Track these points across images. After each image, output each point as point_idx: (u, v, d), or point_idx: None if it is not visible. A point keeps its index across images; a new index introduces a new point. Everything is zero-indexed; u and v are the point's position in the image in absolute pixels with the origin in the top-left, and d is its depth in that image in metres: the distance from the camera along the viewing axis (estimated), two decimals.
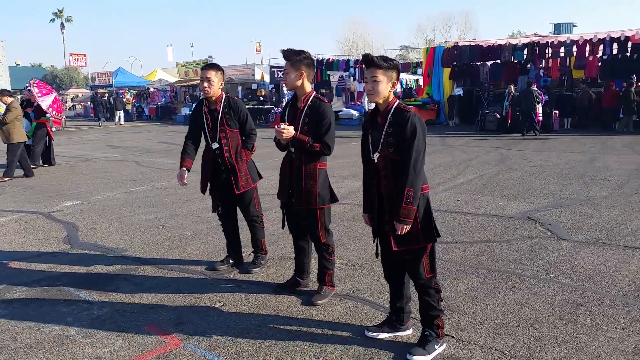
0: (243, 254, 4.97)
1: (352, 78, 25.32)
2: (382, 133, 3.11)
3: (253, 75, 28.39)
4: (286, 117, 3.98)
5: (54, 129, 23.81)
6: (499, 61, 20.54)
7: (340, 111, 23.49)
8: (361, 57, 3.24)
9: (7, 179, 10.06)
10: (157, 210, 7.22)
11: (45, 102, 11.73)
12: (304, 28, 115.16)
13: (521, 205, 6.93)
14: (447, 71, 21.64)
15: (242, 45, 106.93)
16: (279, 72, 26.48)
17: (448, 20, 63.76)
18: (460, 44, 22.19)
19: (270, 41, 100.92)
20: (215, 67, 4.53)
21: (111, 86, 37.35)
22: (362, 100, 25.38)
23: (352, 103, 24.65)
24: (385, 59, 3.10)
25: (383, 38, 76.71)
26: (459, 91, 21.08)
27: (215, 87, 4.47)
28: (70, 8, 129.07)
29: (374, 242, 3.40)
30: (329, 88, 26.29)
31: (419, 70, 26.12)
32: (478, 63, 21.24)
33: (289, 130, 3.74)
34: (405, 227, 2.99)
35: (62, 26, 77.34)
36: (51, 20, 77.00)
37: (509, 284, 4.25)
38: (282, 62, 30.34)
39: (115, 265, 5.00)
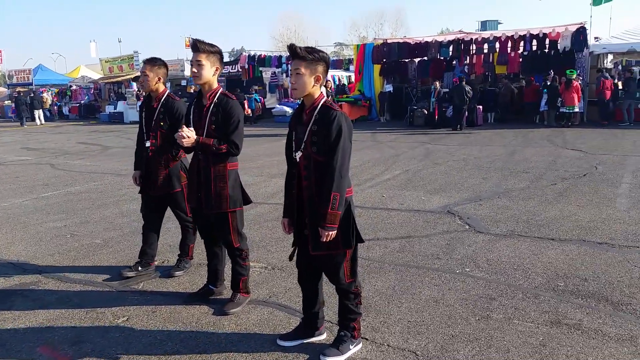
0: (155, 262, 4.73)
1: (285, 74, 25.12)
2: (307, 131, 2.93)
3: (182, 71, 27.56)
4: (191, 117, 3.75)
5: None
6: (426, 58, 21.00)
7: (274, 108, 23.25)
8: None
9: None
10: (68, 217, 6.74)
11: None
12: (236, 23, 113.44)
13: (442, 199, 7.02)
14: (377, 68, 21.88)
15: (173, 40, 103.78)
16: None
17: (380, 17, 64.73)
18: (389, 41, 22.51)
19: (200, 36, 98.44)
20: (151, 61, 4.34)
21: (31, 84, 35.22)
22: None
23: (286, 100, 24.43)
24: (310, 50, 2.92)
25: (318, 34, 77.02)
26: (388, 87, 21.37)
27: (151, 82, 4.28)
28: None
29: (293, 246, 3.25)
30: (261, 84, 25.98)
31: (352, 67, 26.32)
32: (406, 60, 21.64)
33: (190, 137, 3.51)
34: (331, 233, 2.85)
35: None
36: None
37: (425, 280, 4.23)
38: None
39: (13, 279, 4.58)
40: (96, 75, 35.06)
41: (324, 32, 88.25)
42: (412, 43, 21.26)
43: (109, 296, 4.16)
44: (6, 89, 39.09)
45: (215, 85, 3.73)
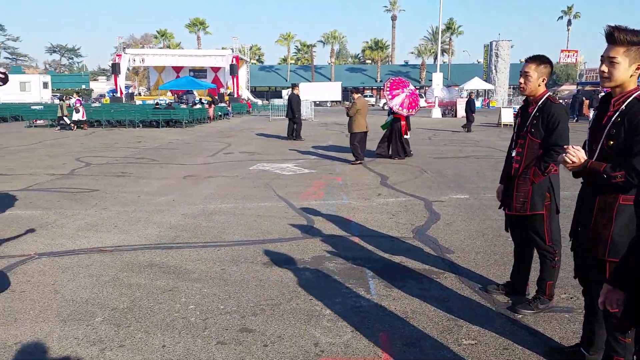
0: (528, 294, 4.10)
1: None
2: None
3: None
4: (590, 129, 2.88)
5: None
6: None
7: None
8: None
9: (358, 162, 11.86)
10: None
11: (394, 102, 12.66)
12: None
13: None
14: None
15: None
16: None
17: None
18: None
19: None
20: (536, 60, 3.68)
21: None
22: None
23: None
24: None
25: None
26: None
27: (534, 83, 3.66)
28: (580, 4, 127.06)
29: None
30: None
31: None
32: None
33: (575, 161, 2.67)
34: None
35: (569, 23, 77.30)
36: (559, 18, 78.13)
37: None
38: None
39: (427, 264, 4.90)
40: None
41: None
42: None
43: (482, 313, 3.83)
44: (574, 87, 40.55)
45: (631, 86, 2.71)
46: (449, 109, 36.20)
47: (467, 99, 23.03)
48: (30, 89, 43.78)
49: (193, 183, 9.32)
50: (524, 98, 3.82)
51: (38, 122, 25.70)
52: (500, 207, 4.07)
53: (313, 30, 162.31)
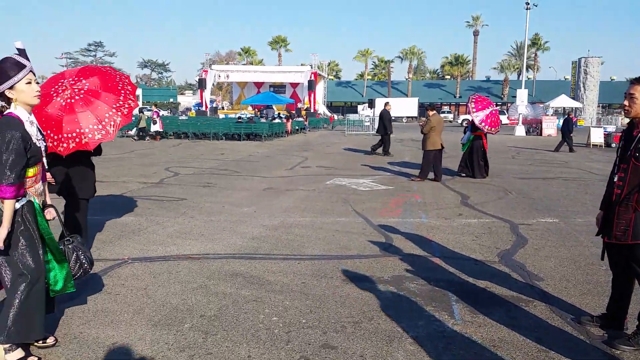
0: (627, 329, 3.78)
1: None
2: None
3: None
4: None
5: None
6: None
7: None
8: None
9: (418, 179, 11.73)
10: None
11: (478, 117, 12.20)
12: None
13: None
14: None
15: None
16: None
17: None
18: None
19: None
20: None
21: None
22: None
23: None
24: None
25: None
26: None
27: (639, 106, 3.45)
28: None
29: None
30: None
31: None
32: None
33: None
34: None
35: None
36: None
37: None
38: None
39: (514, 291, 4.69)
40: None
41: None
42: None
43: (571, 343, 3.61)
44: None
45: None
46: (533, 126, 34.75)
47: (565, 118, 22.20)
48: None
49: (273, 195, 9.54)
50: (628, 121, 3.61)
51: (129, 132, 27.40)
52: (598, 234, 3.83)
53: (391, 45, 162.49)
